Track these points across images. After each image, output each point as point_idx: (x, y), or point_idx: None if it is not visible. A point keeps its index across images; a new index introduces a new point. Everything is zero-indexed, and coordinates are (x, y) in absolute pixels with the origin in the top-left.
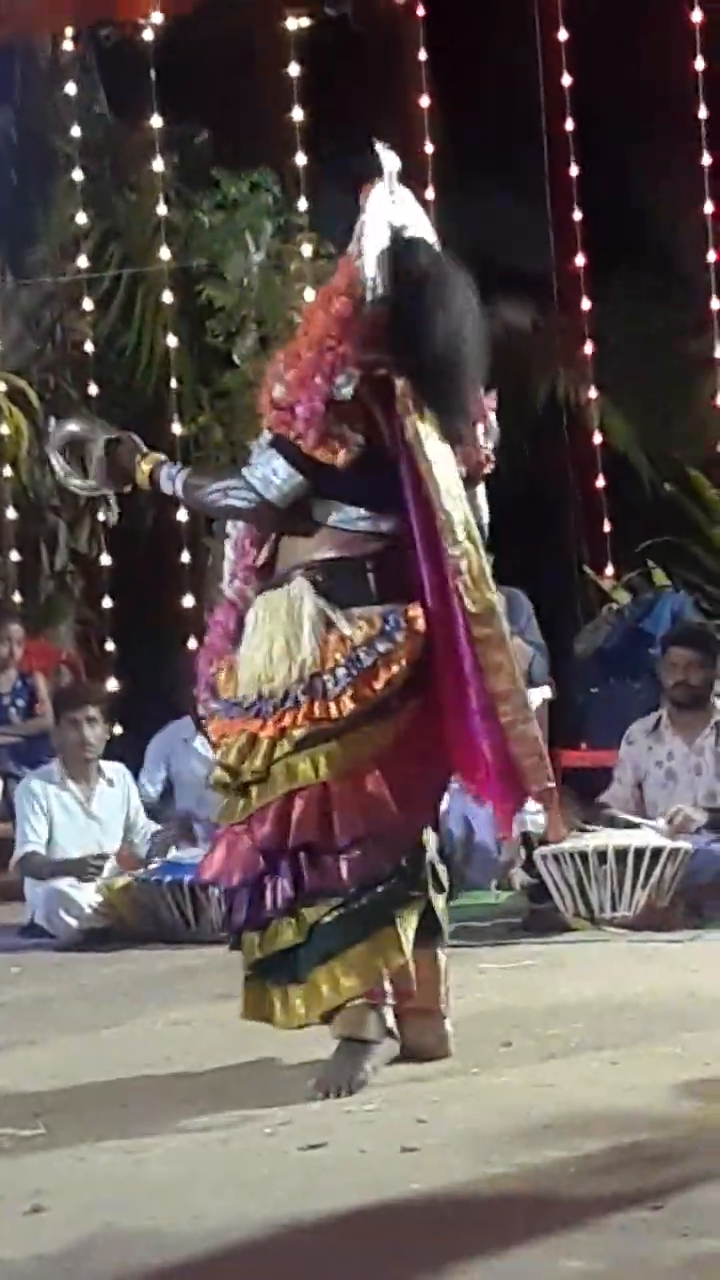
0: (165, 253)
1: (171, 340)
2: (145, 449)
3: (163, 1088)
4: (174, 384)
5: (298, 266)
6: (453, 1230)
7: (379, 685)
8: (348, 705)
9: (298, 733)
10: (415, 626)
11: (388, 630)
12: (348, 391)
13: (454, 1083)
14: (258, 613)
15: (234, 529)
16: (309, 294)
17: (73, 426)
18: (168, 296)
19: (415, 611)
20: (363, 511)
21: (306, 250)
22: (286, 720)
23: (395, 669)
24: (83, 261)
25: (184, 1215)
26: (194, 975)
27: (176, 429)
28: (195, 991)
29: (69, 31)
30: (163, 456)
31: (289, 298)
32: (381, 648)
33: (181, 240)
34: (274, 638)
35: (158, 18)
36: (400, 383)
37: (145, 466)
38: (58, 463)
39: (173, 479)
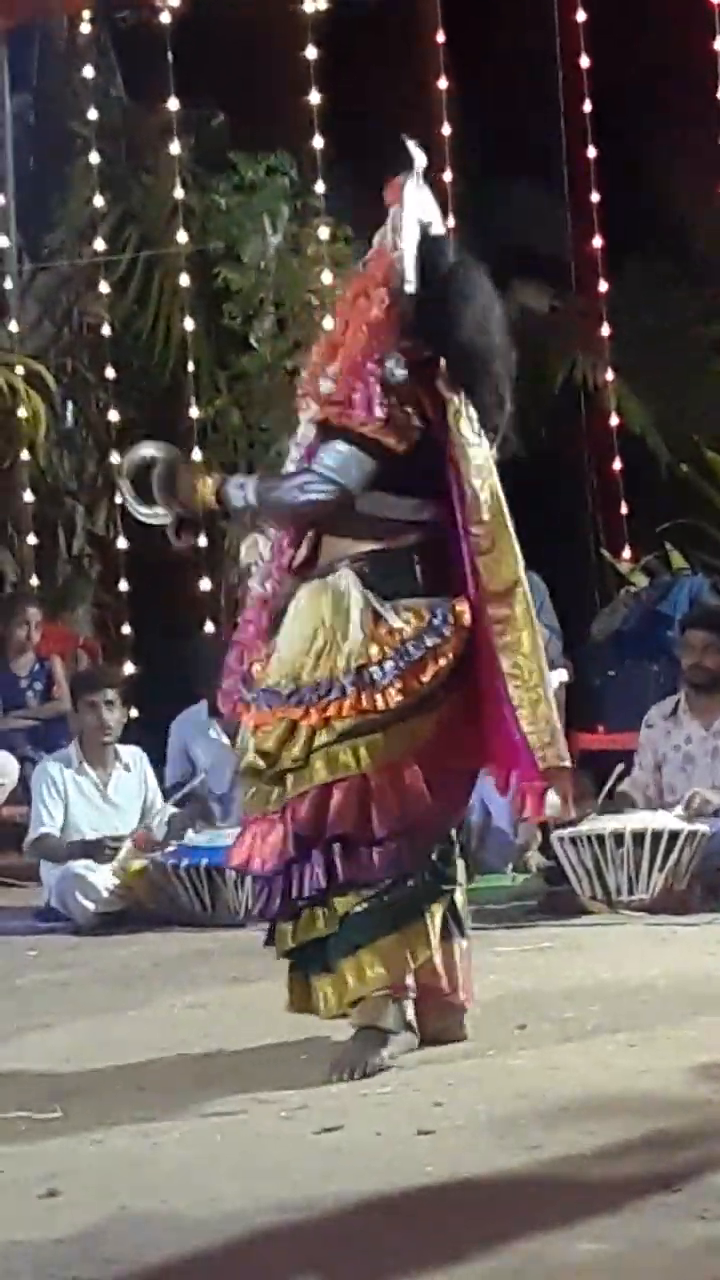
0: (182, 236)
1: (188, 323)
2: (208, 471)
3: (179, 1071)
4: (191, 367)
5: (315, 249)
6: (468, 1213)
7: (426, 678)
8: (395, 697)
9: (341, 724)
10: (462, 621)
11: (435, 624)
12: (401, 374)
13: (470, 1065)
14: (299, 603)
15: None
16: (326, 277)
17: (146, 451)
18: (184, 279)
19: (462, 606)
20: (411, 500)
21: (324, 233)
22: (331, 710)
23: (442, 662)
24: (99, 244)
25: (200, 1198)
26: (210, 958)
27: (194, 412)
28: (211, 975)
29: (86, 14)
30: (226, 475)
31: (306, 280)
32: (429, 641)
33: (198, 223)
34: (318, 628)
35: (174, 1)
36: (442, 361)
37: (209, 484)
38: (126, 490)
39: (243, 487)
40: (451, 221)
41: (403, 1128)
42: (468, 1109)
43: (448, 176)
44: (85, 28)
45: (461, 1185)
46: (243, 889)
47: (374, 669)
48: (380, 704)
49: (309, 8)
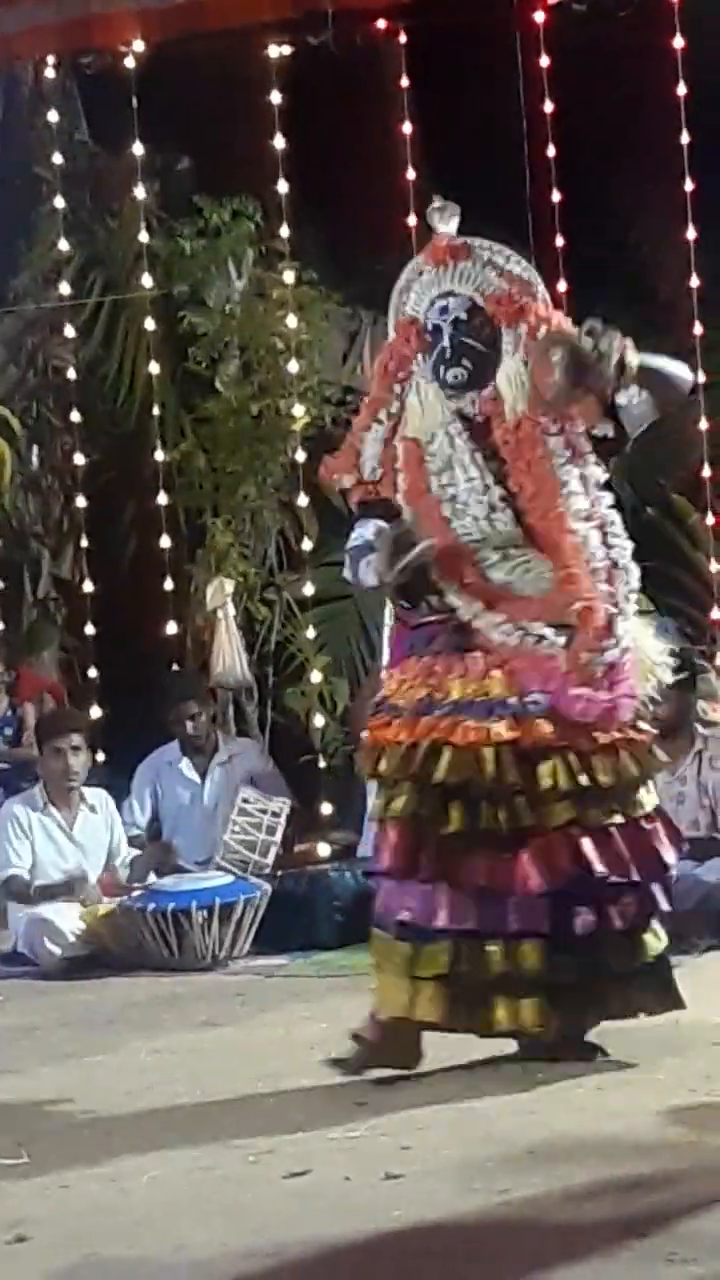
0: (147, 280)
1: (154, 367)
2: None
3: (147, 1117)
4: (156, 410)
5: (279, 293)
6: (437, 1258)
7: None
8: None
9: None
10: None
11: None
12: None
13: (438, 1109)
14: None
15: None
16: (291, 320)
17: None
18: (150, 323)
19: None
20: None
21: (288, 277)
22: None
23: None
24: (65, 289)
25: (168, 1244)
26: (177, 1003)
27: (159, 455)
28: (179, 1019)
29: (51, 59)
30: None
31: (271, 324)
32: None
33: (163, 267)
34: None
35: (139, 46)
36: None
37: None
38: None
39: None
40: None
41: (371, 1172)
42: (436, 1153)
43: (411, 221)
44: (50, 72)
45: (430, 1230)
46: (209, 933)
47: None
48: None
49: (274, 53)
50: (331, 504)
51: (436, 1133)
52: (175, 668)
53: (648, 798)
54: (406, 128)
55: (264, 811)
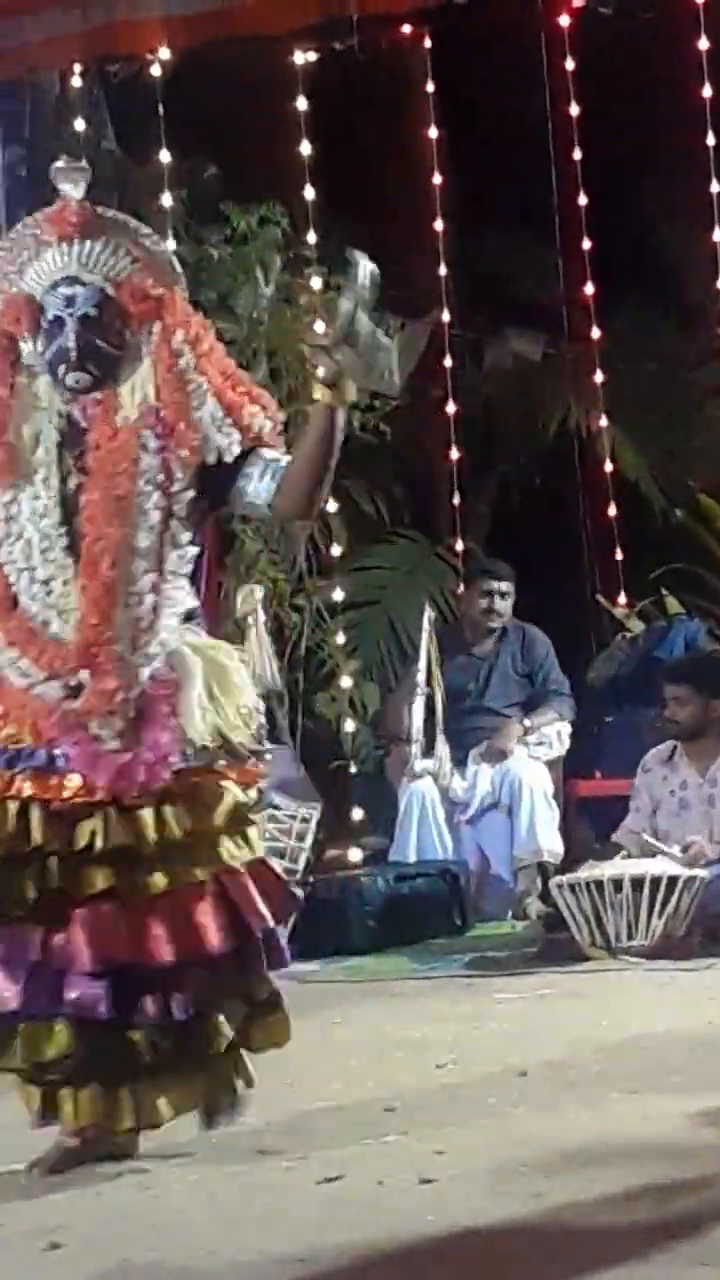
0: None
1: None
2: None
3: (180, 1122)
4: None
5: (307, 299)
6: (470, 1263)
7: None
8: None
9: None
10: None
11: None
12: None
13: (471, 1114)
14: None
15: None
16: (319, 326)
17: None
18: None
19: None
20: None
21: (316, 283)
22: None
23: None
24: None
25: (202, 1249)
26: None
27: None
28: None
29: (77, 67)
30: None
31: (299, 330)
32: None
33: (191, 274)
34: None
35: (165, 53)
36: None
37: None
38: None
39: None
40: (443, 270)
41: (404, 1177)
42: (469, 1157)
43: (439, 225)
44: (76, 80)
45: (464, 1234)
46: None
47: None
48: None
49: (300, 59)
50: (361, 510)
51: (469, 1137)
52: None
53: (234, 849)
54: (433, 132)
55: (294, 818)
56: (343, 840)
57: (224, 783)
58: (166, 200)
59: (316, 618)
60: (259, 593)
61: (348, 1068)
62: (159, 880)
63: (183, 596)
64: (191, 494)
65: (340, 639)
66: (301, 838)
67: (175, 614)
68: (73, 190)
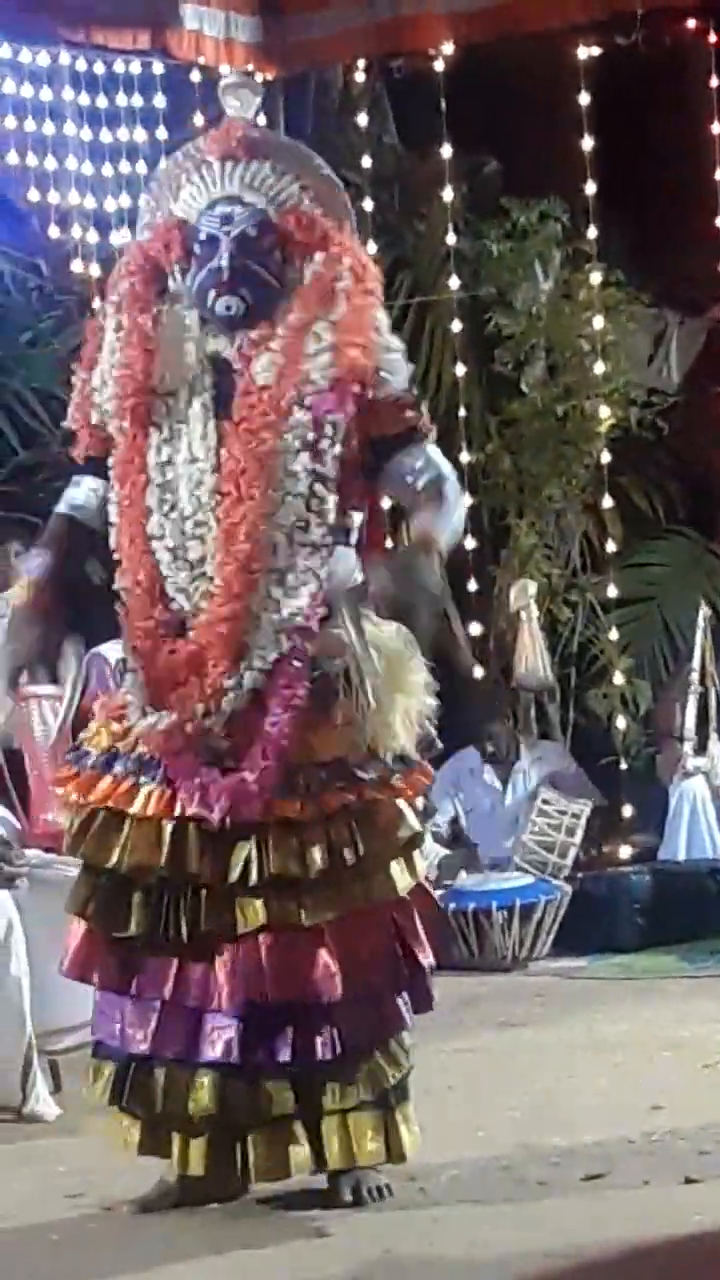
0: (454, 281)
1: (460, 369)
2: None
3: (446, 1115)
4: (462, 412)
5: (586, 295)
6: None
7: None
8: None
9: None
10: None
11: None
12: None
13: None
14: None
15: None
16: (598, 322)
17: None
18: (456, 325)
19: None
20: None
21: (595, 278)
22: None
23: None
24: None
25: (463, 1243)
26: (477, 1003)
27: (464, 457)
28: (480, 1019)
29: (360, 64)
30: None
31: (577, 326)
32: None
33: (470, 269)
34: None
35: (448, 48)
36: None
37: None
38: None
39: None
40: None
41: (669, 1176)
42: None
43: None
44: (360, 76)
45: None
46: (509, 933)
47: None
48: None
49: (582, 54)
50: (636, 506)
51: None
52: (478, 673)
53: (405, 877)
54: (716, 127)
55: (563, 813)
56: (613, 837)
57: (400, 801)
58: (447, 195)
59: (590, 613)
60: (532, 588)
61: (614, 1065)
62: (323, 911)
63: (329, 573)
64: (343, 455)
65: (613, 635)
66: (571, 833)
67: (312, 593)
68: (240, 108)
